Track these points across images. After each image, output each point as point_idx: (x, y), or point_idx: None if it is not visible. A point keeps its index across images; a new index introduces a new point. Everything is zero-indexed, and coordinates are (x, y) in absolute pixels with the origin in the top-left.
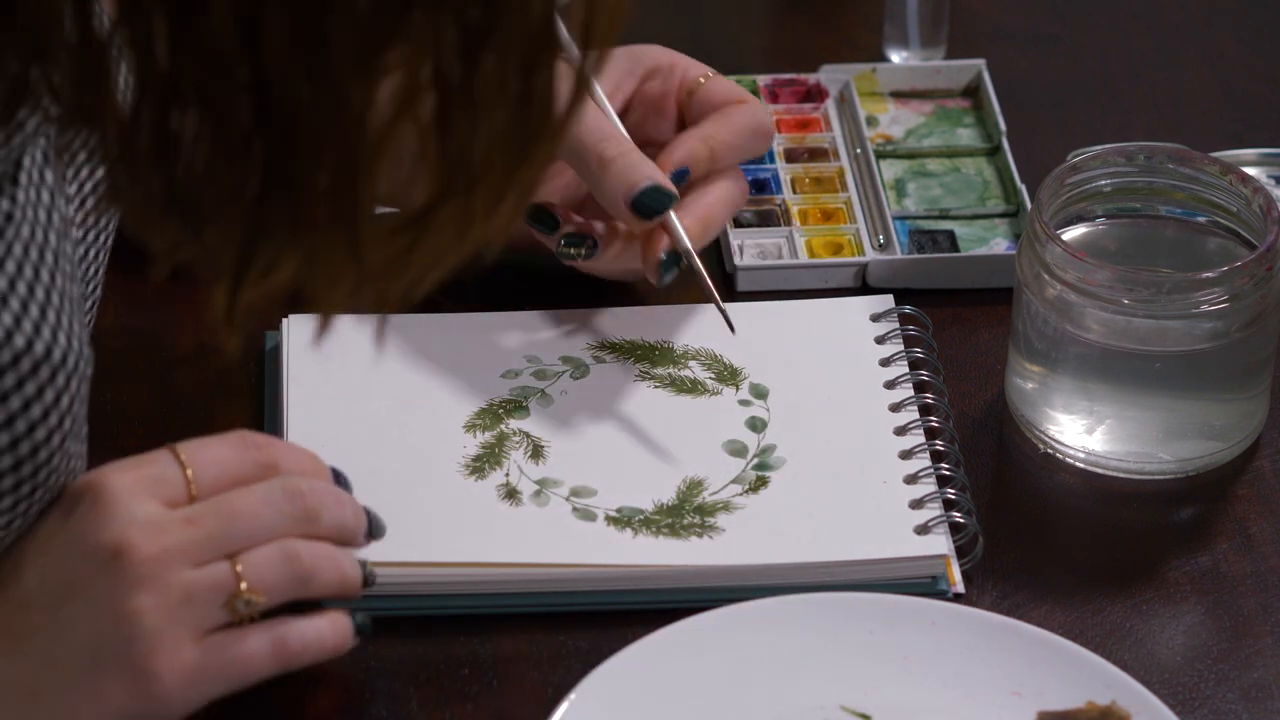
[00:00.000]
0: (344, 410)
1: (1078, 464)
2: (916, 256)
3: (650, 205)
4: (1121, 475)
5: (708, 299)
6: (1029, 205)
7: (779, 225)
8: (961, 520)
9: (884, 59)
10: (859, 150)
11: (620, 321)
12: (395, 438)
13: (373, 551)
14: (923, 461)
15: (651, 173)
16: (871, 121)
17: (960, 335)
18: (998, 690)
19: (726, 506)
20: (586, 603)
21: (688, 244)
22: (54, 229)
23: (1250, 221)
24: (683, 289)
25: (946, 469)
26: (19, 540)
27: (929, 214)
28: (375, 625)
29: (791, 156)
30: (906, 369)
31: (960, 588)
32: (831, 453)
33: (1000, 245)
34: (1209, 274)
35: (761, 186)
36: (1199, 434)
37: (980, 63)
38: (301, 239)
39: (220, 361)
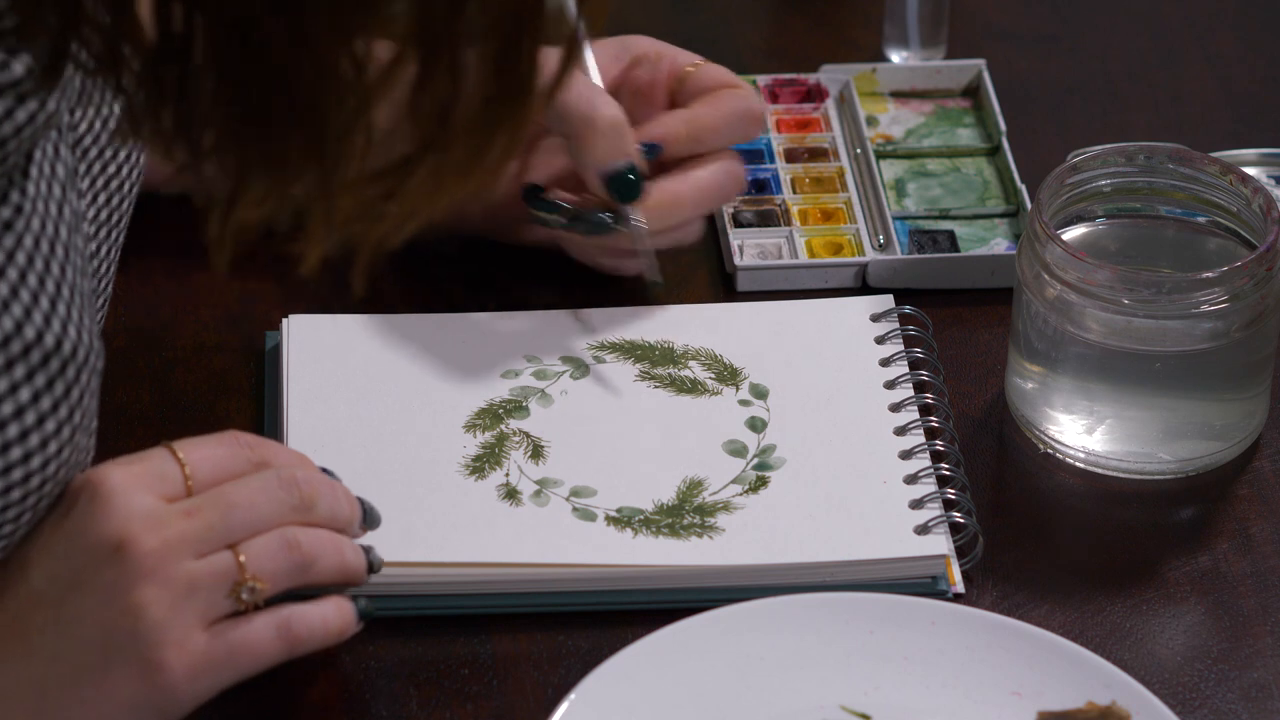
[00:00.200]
0: (344, 410)
1: (1078, 464)
2: (916, 256)
3: (622, 185)
4: (1121, 475)
5: (642, 264)
6: (1029, 205)
7: (779, 225)
8: (961, 520)
9: (884, 59)
10: (859, 150)
11: (620, 321)
12: (395, 438)
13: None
14: (923, 461)
15: (629, 149)
16: (871, 121)
17: (960, 335)
18: (998, 690)
19: (726, 506)
20: (586, 603)
21: (629, 214)
22: (65, 222)
23: (1250, 221)
24: (684, 289)
25: (946, 469)
26: (20, 542)
27: (929, 214)
28: (375, 625)
29: (791, 156)
30: (906, 369)
31: (960, 588)
32: (831, 453)
33: (1000, 245)
34: (1209, 274)
35: (761, 186)
36: (1199, 434)
37: (980, 63)
38: (281, 179)
39: (220, 361)
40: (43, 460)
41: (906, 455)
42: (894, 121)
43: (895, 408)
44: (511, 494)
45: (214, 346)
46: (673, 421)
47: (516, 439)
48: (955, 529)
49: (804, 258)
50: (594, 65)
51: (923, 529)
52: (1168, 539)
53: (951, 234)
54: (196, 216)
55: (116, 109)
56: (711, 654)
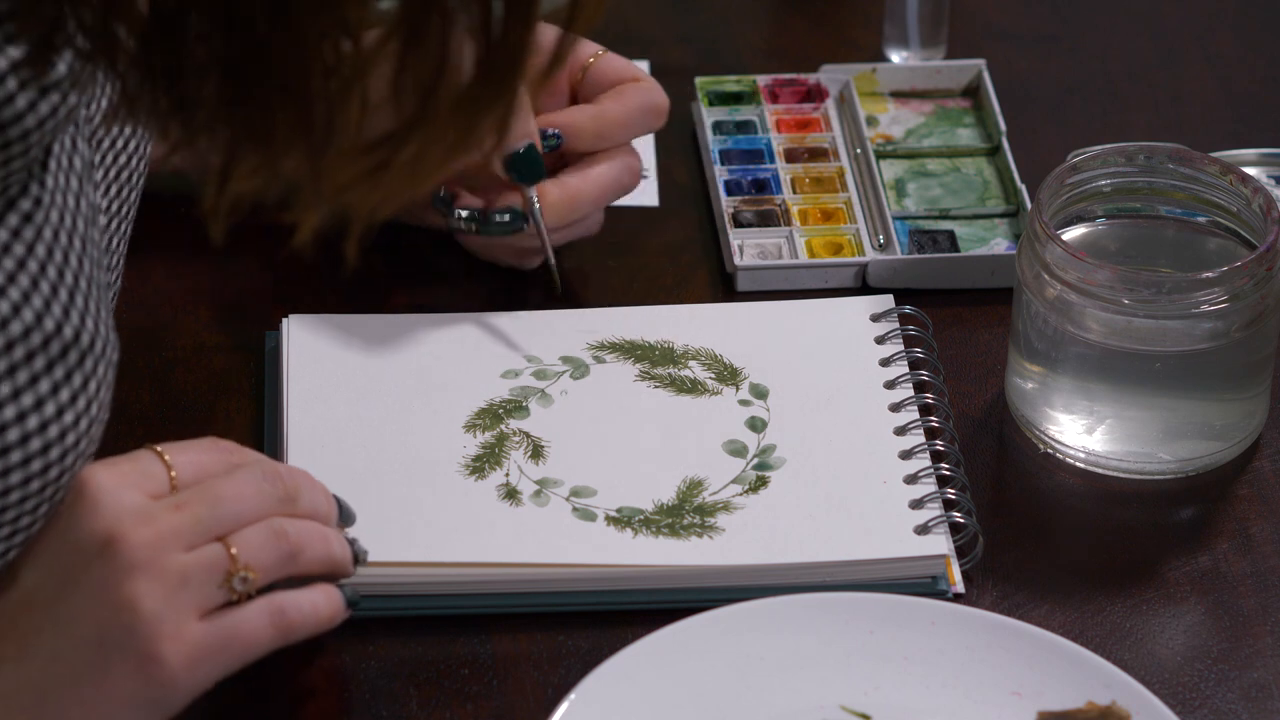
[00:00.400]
0: (344, 410)
1: (1078, 464)
2: (916, 256)
3: (521, 166)
4: (1121, 475)
5: (546, 269)
6: (1029, 205)
7: (779, 225)
8: (961, 520)
9: (884, 59)
10: (859, 150)
11: (620, 321)
12: (395, 438)
13: (374, 552)
14: (923, 461)
15: (531, 130)
16: (871, 121)
17: (960, 335)
18: (998, 690)
19: (726, 506)
20: (586, 603)
21: (535, 206)
22: (83, 215)
23: (1250, 221)
24: (684, 289)
25: (946, 469)
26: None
27: (929, 214)
28: (376, 625)
29: (791, 156)
30: (906, 369)
31: (960, 588)
32: (831, 453)
33: (1000, 245)
34: (1209, 274)
35: (761, 186)
36: (1199, 434)
37: (980, 63)
38: (271, 154)
39: (220, 361)
40: (60, 451)
41: (906, 455)
42: (894, 121)
43: (895, 408)
44: (511, 494)
45: (214, 346)
46: (673, 421)
47: (516, 439)
48: (955, 529)
49: (804, 258)
50: None
51: (923, 529)
52: (1168, 539)
53: (951, 234)
54: (196, 214)
55: (111, 92)
56: (711, 654)
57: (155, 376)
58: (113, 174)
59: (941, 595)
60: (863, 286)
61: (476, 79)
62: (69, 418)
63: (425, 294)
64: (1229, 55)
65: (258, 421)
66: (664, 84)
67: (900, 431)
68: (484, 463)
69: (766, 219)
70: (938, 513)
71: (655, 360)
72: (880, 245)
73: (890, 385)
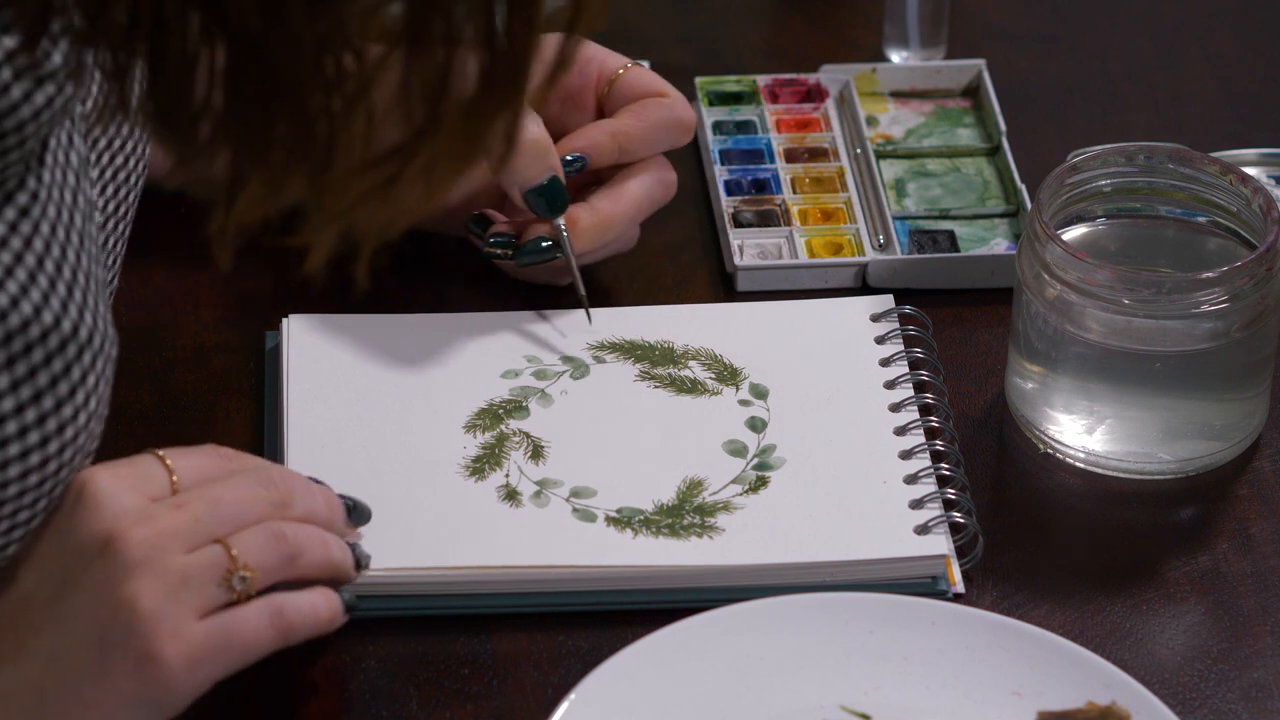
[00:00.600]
0: (344, 410)
1: (1078, 464)
2: (916, 256)
3: (543, 201)
4: (1121, 475)
5: (577, 297)
6: (1029, 205)
7: (779, 225)
8: (961, 520)
9: (884, 59)
10: (859, 150)
11: (620, 321)
12: (395, 438)
13: (374, 555)
14: (923, 461)
15: (553, 164)
16: (871, 121)
17: (960, 335)
18: (998, 690)
19: (726, 506)
20: (586, 603)
21: (564, 233)
22: (79, 210)
23: (1250, 221)
24: (684, 289)
25: (946, 469)
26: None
27: (929, 214)
28: (376, 625)
29: (791, 156)
30: (906, 369)
31: (960, 588)
32: (831, 453)
33: (1000, 245)
34: (1209, 274)
35: (761, 186)
36: (1199, 434)
37: (980, 63)
38: (275, 174)
39: (220, 361)
40: (59, 445)
41: (906, 455)
42: (894, 121)
43: (895, 408)
44: (511, 495)
45: (214, 346)
46: (673, 421)
47: (516, 439)
48: (955, 529)
49: (804, 258)
50: None
51: (923, 529)
52: (1168, 539)
53: (951, 234)
54: (196, 215)
55: (107, 88)
56: (711, 654)
57: (155, 376)
58: (109, 175)
59: (941, 595)
60: (863, 286)
61: (482, 85)
62: (67, 411)
63: (425, 294)
64: (1229, 55)
65: (258, 421)
66: None
67: (900, 431)
68: (484, 463)
69: (766, 219)
70: (938, 513)
71: (655, 360)
72: (880, 245)
73: (890, 385)
